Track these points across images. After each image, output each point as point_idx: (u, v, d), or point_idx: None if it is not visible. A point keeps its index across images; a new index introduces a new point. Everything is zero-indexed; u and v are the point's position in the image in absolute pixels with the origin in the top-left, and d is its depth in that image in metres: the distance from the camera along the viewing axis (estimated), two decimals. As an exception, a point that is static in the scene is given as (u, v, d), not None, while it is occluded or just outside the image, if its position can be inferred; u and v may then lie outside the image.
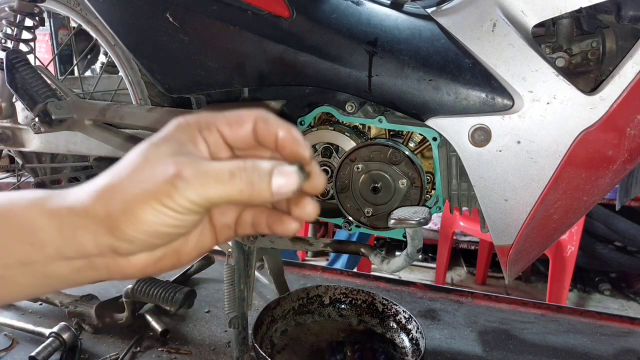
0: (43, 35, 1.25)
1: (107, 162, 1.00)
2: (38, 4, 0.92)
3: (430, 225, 2.57)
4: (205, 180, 0.27)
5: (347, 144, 0.78)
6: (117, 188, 0.28)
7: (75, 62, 1.12)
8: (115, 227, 0.28)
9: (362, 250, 0.90)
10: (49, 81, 0.92)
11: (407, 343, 0.96)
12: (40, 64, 1.02)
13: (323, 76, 0.70)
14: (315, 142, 0.80)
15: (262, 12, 0.72)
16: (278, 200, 0.30)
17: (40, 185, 1.14)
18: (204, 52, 0.75)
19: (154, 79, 0.79)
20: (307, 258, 2.68)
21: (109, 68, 1.14)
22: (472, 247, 2.63)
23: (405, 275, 2.54)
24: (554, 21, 0.67)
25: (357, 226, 0.79)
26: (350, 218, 0.78)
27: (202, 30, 0.74)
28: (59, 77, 1.09)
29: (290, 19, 0.71)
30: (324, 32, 0.70)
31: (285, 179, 0.28)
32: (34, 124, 0.92)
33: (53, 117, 0.87)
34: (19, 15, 0.92)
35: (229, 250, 0.91)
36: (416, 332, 0.94)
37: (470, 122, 0.64)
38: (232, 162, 0.28)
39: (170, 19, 0.74)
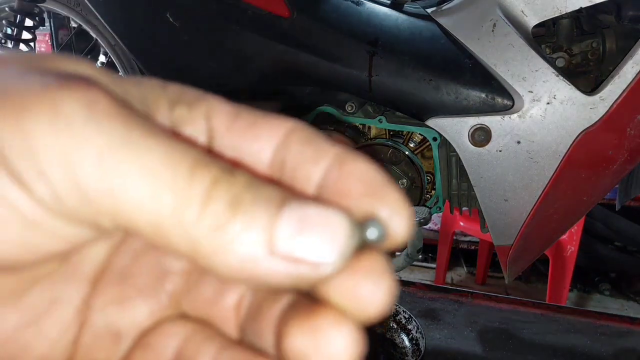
0: (43, 35, 1.26)
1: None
2: (38, 4, 0.92)
3: (430, 225, 2.57)
4: (132, 151, 0.12)
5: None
6: None
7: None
8: None
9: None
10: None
11: (407, 343, 0.96)
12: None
13: (323, 76, 0.70)
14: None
15: (262, 12, 0.72)
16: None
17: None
18: (204, 51, 0.75)
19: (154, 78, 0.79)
20: (307, 258, 2.67)
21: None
22: (472, 247, 2.63)
23: (405, 275, 2.54)
24: (554, 21, 0.67)
25: (357, 226, 0.79)
26: (350, 218, 0.78)
27: (201, 30, 0.74)
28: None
29: (290, 18, 0.71)
30: (324, 32, 0.70)
31: (315, 235, 0.12)
32: None
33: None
34: (19, 16, 0.92)
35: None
36: (416, 332, 0.94)
37: (471, 122, 0.64)
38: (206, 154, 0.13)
39: (170, 19, 0.74)
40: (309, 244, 0.11)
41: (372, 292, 0.12)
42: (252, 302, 0.15)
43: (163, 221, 0.12)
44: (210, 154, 0.13)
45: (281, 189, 0.12)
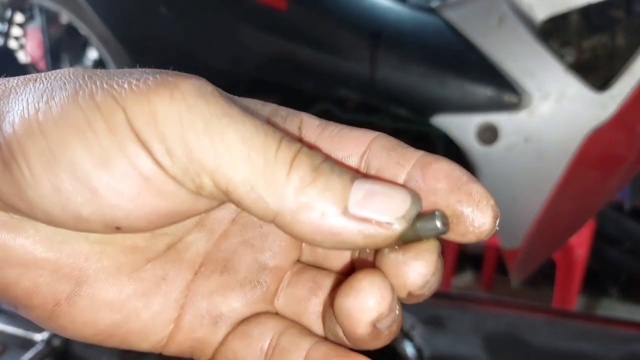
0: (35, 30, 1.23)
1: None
2: (29, -1, 0.89)
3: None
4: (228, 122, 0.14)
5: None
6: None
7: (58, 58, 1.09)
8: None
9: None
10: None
11: (410, 350, 0.94)
12: (31, 59, 1.00)
13: (322, 71, 0.69)
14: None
15: (258, 4, 0.70)
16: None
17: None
18: (198, 45, 0.73)
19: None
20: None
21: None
22: (479, 251, 2.60)
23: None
24: (563, 16, 0.66)
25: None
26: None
27: (195, 23, 0.72)
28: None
29: (287, 11, 0.69)
30: (323, 25, 0.68)
31: (381, 202, 0.14)
32: None
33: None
34: (10, 11, 0.90)
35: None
36: (420, 339, 0.92)
37: (477, 119, 0.63)
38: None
39: (164, 12, 0.73)
40: (376, 207, 0.14)
41: (417, 271, 0.15)
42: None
43: (257, 181, 0.14)
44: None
45: (353, 170, 0.15)
